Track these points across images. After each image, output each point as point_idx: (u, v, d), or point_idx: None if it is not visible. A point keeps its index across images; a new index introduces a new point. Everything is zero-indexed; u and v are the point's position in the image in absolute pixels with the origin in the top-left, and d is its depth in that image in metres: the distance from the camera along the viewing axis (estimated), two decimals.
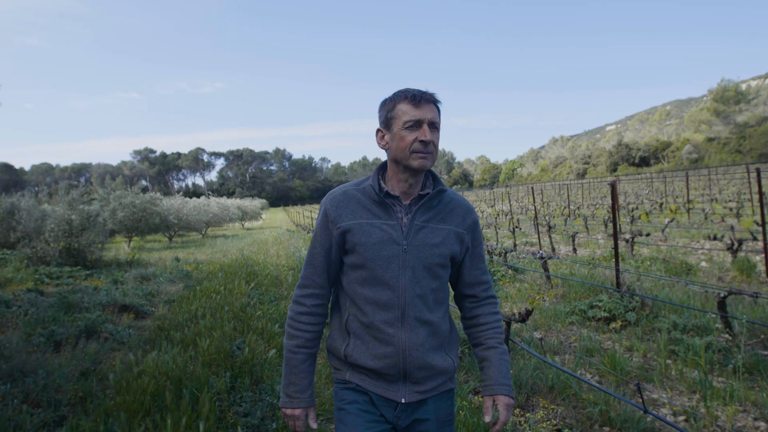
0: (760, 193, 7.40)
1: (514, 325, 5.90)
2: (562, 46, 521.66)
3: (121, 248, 22.49)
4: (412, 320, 1.71)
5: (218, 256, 17.65)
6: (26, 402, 4.08)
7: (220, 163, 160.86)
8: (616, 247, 6.82)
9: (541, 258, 8.18)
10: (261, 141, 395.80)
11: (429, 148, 1.69)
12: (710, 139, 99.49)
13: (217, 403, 3.43)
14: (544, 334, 5.95)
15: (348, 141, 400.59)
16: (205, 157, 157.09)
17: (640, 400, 2.78)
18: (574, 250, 12.51)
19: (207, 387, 3.59)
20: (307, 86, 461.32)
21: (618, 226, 13.92)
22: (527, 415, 3.73)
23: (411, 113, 1.68)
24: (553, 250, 13.11)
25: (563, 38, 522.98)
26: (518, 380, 4.14)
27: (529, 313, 4.01)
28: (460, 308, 1.97)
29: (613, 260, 9.68)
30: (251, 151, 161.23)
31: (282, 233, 29.26)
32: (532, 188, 13.91)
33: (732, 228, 11.57)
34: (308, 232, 26.58)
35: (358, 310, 1.75)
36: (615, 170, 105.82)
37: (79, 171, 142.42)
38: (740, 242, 8.35)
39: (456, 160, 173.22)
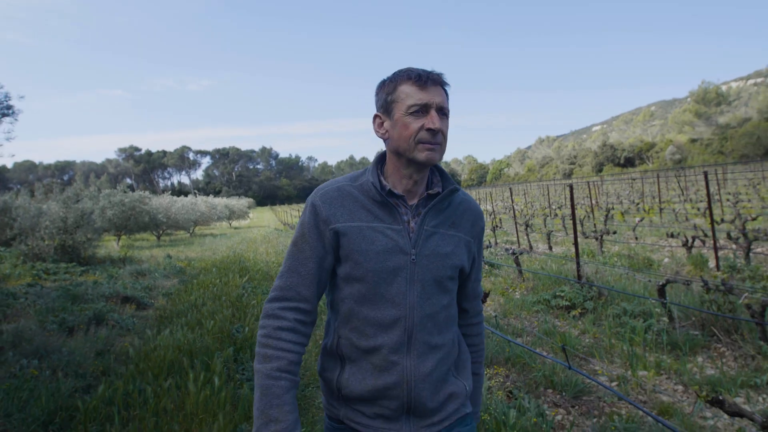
0: (708, 195, 8.19)
1: None
2: (549, 47, 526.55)
3: (110, 246, 22.90)
4: (420, 345, 1.46)
5: (208, 254, 18.22)
6: (55, 374, 4.71)
7: (206, 161, 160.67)
8: (576, 244, 7.57)
9: (514, 254, 8.90)
10: (247, 139, 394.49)
11: (438, 138, 1.44)
12: (693, 140, 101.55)
13: (225, 368, 4.10)
14: (512, 321, 6.67)
15: (335, 140, 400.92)
16: (191, 156, 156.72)
17: (566, 361, 3.46)
18: (550, 247, 13.28)
19: (215, 356, 4.25)
20: (295, 84, 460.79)
21: (582, 225, 14.75)
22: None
23: (416, 96, 1.43)
24: (531, 247, 13.87)
25: (550, 38, 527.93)
26: None
27: (486, 295, 4.72)
28: None
29: (584, 256, 10.48)
30: (237, 149, 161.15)
31: (270, 232, 29.83)
32: (511, 189, 14.69)
33: (695, 226, 12.42)
34: None
35: (353, 331, 1.48)
36: (601, 170, 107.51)
37: (63, 169, 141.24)
38: (693, 239, 9.16)
39: (443, 160, 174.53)
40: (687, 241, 9.19)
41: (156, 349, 4.54)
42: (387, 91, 1.50)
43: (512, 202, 14.34)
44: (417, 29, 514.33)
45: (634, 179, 30.26)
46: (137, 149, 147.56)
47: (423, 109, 1.43)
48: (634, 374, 4.42)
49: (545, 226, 17.58)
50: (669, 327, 5.79)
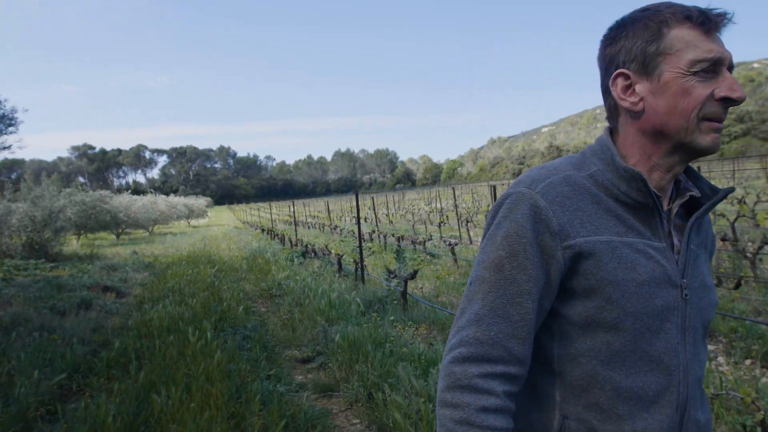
0: None
1: (410, 282, 8.06)
2: (502, 46, 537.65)
3: (71, 245, 23.28)
4: (693, 427, 0.98)
5: (171, 251, 19.03)
6: (64, 341, 5.75)
7: (162, 160, 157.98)
8: None
9: (450, 245, 10.30)
10: (205, 138, 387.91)
11: (725, 114, 0.95)
12: None
13: (212, 328, 5.28)
14: (442, 298, 8.04)
15: (293, 139, 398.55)
16: (148, 154, 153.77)
17: None
18: None
19: (204, 321, 5.42)
20: (254, 83, 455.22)
21: None
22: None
23: (702, 46, 0.91)
24: (471, 241, 15.39)
25: (503, 38, 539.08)
26: (413, 317, 6.17)
27: (415, 272, 6.04)
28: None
29: None
30: (195, 148, 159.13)
31: (230, 230, 30.60)
32: (454, 189, 16.19)
33: None
34: (256, 229, 27.99)
35: (593, 410, 0.94)
36: None
37: (11, 167, 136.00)
38: None
39: (399, 159, 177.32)
40: None
41: (152, 319, 5.66)
42: (646, 36, 0.95)
43: (455, 201, 15.81)
44: (369, 28, 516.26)
45: None
46: (91, 147, 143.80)
47: (713, 67, 0.92)
48: None
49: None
50: None
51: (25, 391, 3.71)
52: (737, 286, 5.13)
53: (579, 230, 0.93)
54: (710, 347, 5.23)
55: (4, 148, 12.41)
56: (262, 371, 4.52)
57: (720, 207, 12.59)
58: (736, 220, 9.04)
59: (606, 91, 1.03)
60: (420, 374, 3.82)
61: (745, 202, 12.91)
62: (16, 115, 12.61)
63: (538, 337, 1.00)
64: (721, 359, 4.78)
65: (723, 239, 7.33)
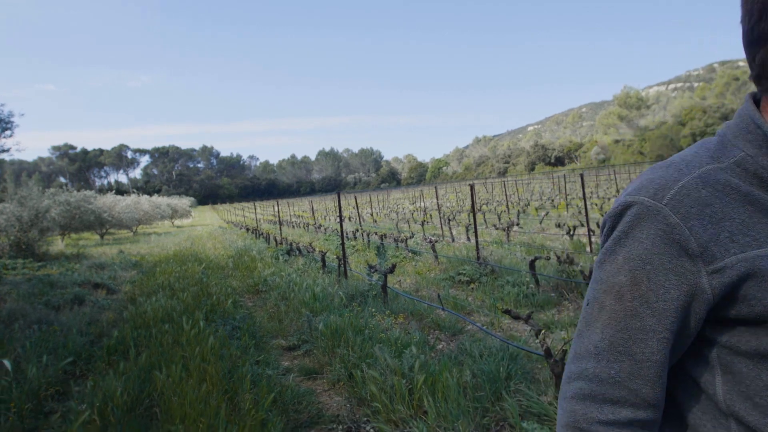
0: (584, 191, 10.32)
1: (392, 279, 8.45)
2: (489, 46, 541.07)
3: (56, 245, 23.34)
4: None
5: (157, 250, 19.26)
6: (63, 332, 6.08)
7: (145, 160, 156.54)
8: (476, 233, 9.48)
9: (431, 242, 10.75)
10: (188, 138, 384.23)
11: None
12: (616, 141, 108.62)
13: (203, 319, 5.66)
14: (423, 292, 8.48)
15: (277, 138, 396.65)
16: (129, 154, 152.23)
17: (440, 307, 5.23)
18: (468, 238, 15.31)
19: (196, 312, 5.80)
20: (236, 83, 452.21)
21: (499, 219, 16.81)
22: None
23: None
24: (453, 239, 15.87)
25: (490, 38, 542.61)
26: (393, 308, 6.59)
27: (393, 266, 6.46)
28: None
29: (494, 244, 12.50)
30: (177, 148, 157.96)
31: (215, 230, 30.78)
32: (437, 188, 16.67)
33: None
34: (241, 228, 28.22)
35: None
36: (533, 169, 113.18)
37: None
38: (574, 228, 11.31)
39: (384, 158, 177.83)
40: (569, 230, 11.34)
41: (146, 311, 6.02)
42: None
43: (437, 200, 16.28)
44: (354, 27, 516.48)
45: (555, 177, 33.23)
46: (72, 147, 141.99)
47: None
48: (498, 321, 6.28)
49: (468, 220, 19.73)
50: (536, 291, 7.74)
51: (36, 374, 4.06)
52: None
53: (729, 247, 0.73)
54: None
55: (3, 150, 12.64)
56: (251, 357, 4.91)
57: None
58: None
59: (758, 41, 0.73)
60: (395, 354, 4.25)
61: None
62: (12, 119, 12.86)
63: (689, 368, 0.82)
64: None
65: None
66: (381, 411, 3.47)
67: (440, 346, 5.68)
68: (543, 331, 3.78)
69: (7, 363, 3.60)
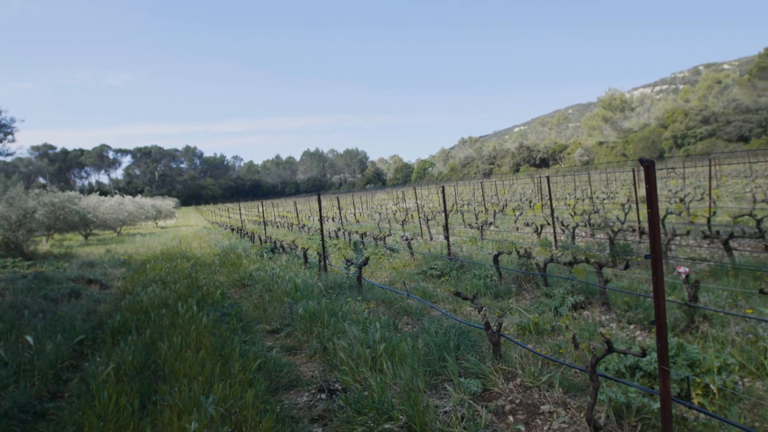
0: (549, 192, 11.13)
1: (371, 273, 9.16)
2: (475, 47, 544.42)
3: (42, 245, 23.68)
4: None
5: (143, 250, 19.75)
6: (68, 318, 6.70)
7: (126, 160, 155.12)
8: (446, 232, 10.24)
9: (407, 240, 11.49)
10: (170, 137, 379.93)
11: None
12: (600, 143, 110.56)
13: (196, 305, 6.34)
14: (397, 285, 9.20)
15: (261, 138, 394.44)
16: (111, 154, 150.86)
17: (406, 293, 5.96)
18: (446, 236, 16.09)
19: (189, 299, 6.47)
20: (219, 83, 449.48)
21: (476, 218, 17.51)
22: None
23: None
24: (431, 237, 16.64)
25: (477, 39, 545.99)
26: (366, 297, 7.31)
27: (367, 259, 7.19)
28: None
29: (469, 242, 13.27)
30: (160, 148, 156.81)
31: (200, 230, 31.23)
32: (415, 188, 17.41)
33: (558, 218, 15.64)
34: (226, 228, 28.77)
35: None
36: (518, 170, 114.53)
37: None
38: (541, 227, 12.14)
39: (369, 159, 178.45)
40: (537, 228, 12.16)
41: (142, 300, 6.67)
42: None
43: (416, 201, 17.02)
44: (338, 27, 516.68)
45: (537, 179, 34.23)
46: (52, 147, 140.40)
47: None
48: (460, 307, 7.04)
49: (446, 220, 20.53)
50: (498, 282, 8.51)
51: (53, 348, 4.70)
52: (626, 266, 6.44)
53: None
54: (605, 316, 6.56)
55: (9, 154, 13.12)
56: (238, 337, 5.59)
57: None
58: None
59: None
60: (362, 329, 4.97)
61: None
62: (14, 125, 13.38)
63: None
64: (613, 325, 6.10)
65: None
66: (348, 372, 4.19)
67: (406, 329, 6.42)
68: (484, 308, 4.53)
69: (29, 338, 4.24)
